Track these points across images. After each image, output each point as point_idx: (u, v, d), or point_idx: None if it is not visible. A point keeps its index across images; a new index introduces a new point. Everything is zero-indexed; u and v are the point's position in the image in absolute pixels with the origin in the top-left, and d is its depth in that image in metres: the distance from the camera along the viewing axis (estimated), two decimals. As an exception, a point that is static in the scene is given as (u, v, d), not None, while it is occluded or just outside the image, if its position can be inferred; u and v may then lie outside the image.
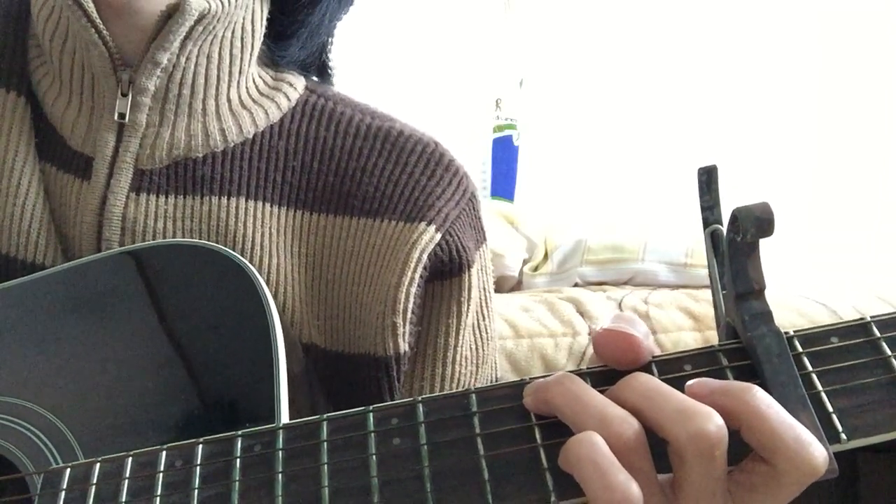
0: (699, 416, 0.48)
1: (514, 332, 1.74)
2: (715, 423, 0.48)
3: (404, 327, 0.81)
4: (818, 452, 0.48)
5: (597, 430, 0.49)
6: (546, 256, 2.49)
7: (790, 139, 3.08)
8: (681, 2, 3.26)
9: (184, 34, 0.77)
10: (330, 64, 0.95)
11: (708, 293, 2.05)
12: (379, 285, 0.82)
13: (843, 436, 0.49)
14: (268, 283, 0.80)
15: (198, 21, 0.77)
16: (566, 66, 3.33)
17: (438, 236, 0.83)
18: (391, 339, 0.81)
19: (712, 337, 1.80)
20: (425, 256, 0.82)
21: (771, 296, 0.53)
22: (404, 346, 0.82)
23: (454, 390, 0.72)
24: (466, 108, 3.26)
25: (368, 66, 2.89)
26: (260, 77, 0.87)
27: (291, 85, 0.89)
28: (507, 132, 3.26)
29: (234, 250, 0.79)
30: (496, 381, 0.94)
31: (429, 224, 0.83)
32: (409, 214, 0.84)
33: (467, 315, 0.87)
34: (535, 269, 2.46)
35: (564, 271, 2.40)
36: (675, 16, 3.24)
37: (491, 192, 3.16)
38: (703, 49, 3.18)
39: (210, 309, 0.72)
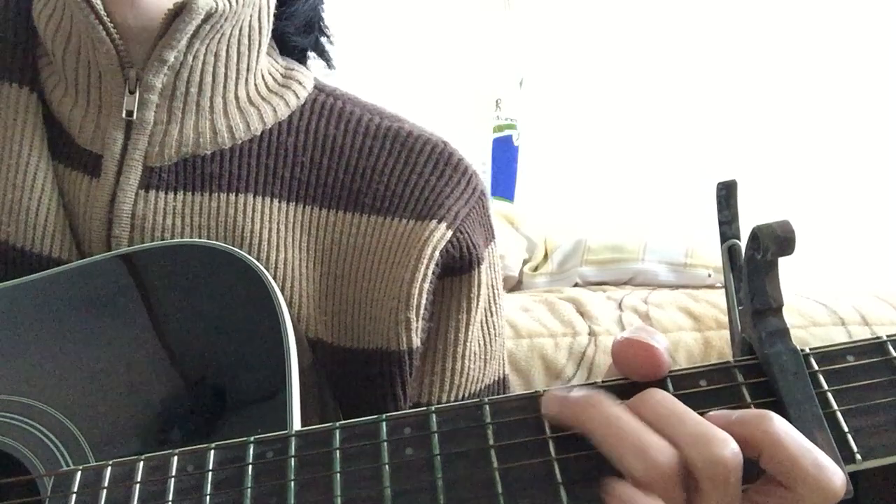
0: (715, 442, 0.48)
1: (514, 332, 1.75)
2: (731, 449, 0.48)
3: (417, 322, 0.82)
4: (837, 477, 0.48)
5: (633, 459, 0.49)
6: (546, 256, 2.49)
7: (790, 139, 3.08)
8: (681, 2, 3.26)
9: (191, 33, 0.77)
10: (328, 35, 0.96)
11: (707, 293, 2.06)
12: (391, 281, 0.82)
13: (859, 456, 0.49)
14: (275, 279, 0.81)
15: (205, 20, 0.77)
16: (566, 66, 3.33)
17: (450, 234, 0.84)
18: (404, 333, 0.82)
19: (712, 337, 1.80)
20: (437, 253, 0.83)
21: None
22: (416, 342, 0.83)
23: (466, 400, 0.72)
24: (466, 108, 3.25)
25: (368, 66, 2.88)
26: (269, 74, 0.88)
27: (300, 83, 0.89)
28: (507, 132, 3.25)
29: (241, 246, 0.80)
30: (503, 377, 0.95)
31: (440, 222, 0.84)
32: (419, 213, 0.84)
33: (476, 311, 0.88)
34: (535, 269, 2.46)
35: (564, 271, 2.40)
36: (675, 16, 3.23)
37: (491, 192, 3.15)
38: (703, 49, 3.18)
39: (221, 310, 0.72)
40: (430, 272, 0.82)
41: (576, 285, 2.34)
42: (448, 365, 0.87)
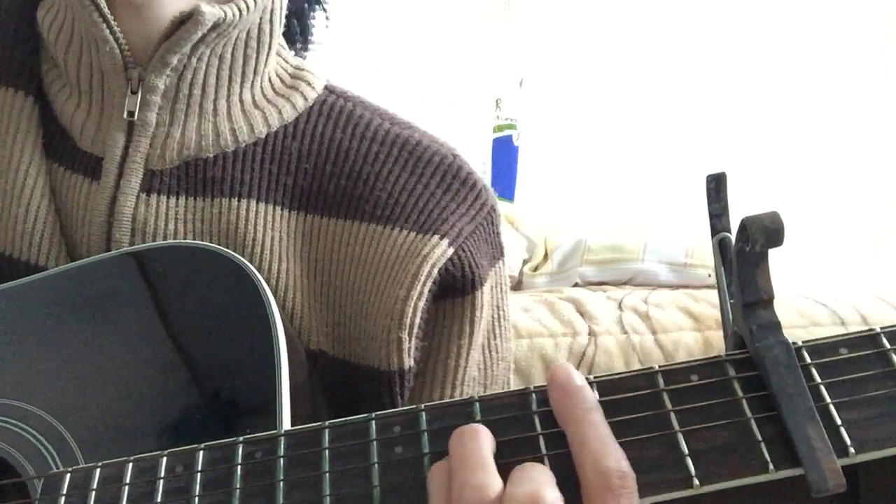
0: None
1: (515, 332, 1.74)
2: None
3: (410, 342, 0.79)
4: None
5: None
6: (546, 256, 2.49)
7: (791, 139, 3.08)
8: (681, 2, 3.26)
9: (196, 40, 0.76)
10: (312, 23, 0.94)
11: (707, 293, 2.07)
12: (386, 296, 0.79)
13: (852, 449, 0.49)
14: (276, 288, 0.80)
15: (212, 29, 0.76)
16: (566, 66, 3.33)
17: (451, 251, 0.81)
18: (395, 353, 0.79)
19: (712, 337, 1.80)
20: (436, 271, 0.79)
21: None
22: (409, 362, 0.80)
23: (457, 399, 0.71)
24: (466, 108, 3.25)
25: (369, 66, 2.89)
26: (277, 75, 0.86)
27: (310, 84, 0.87)
28: (507, 132, 3.25)
29: (242, 253, 0.78)
30: None
31: (442, 238, 0.80)
32: (421, 225, 0.81)
33: (477, 335, 0.84)
34: (535, 269, 2.46)
35: (564, 271, 2.40)
36: (675, 15, 3.23)
37: (490, 192, 3.15)
38: (704, 48, 3.18)
39: (212, 312, 0.71)
40: (426, 290, 0.79)
41: (576, 285, 2.34)
42: (447, 392, 0.83)
